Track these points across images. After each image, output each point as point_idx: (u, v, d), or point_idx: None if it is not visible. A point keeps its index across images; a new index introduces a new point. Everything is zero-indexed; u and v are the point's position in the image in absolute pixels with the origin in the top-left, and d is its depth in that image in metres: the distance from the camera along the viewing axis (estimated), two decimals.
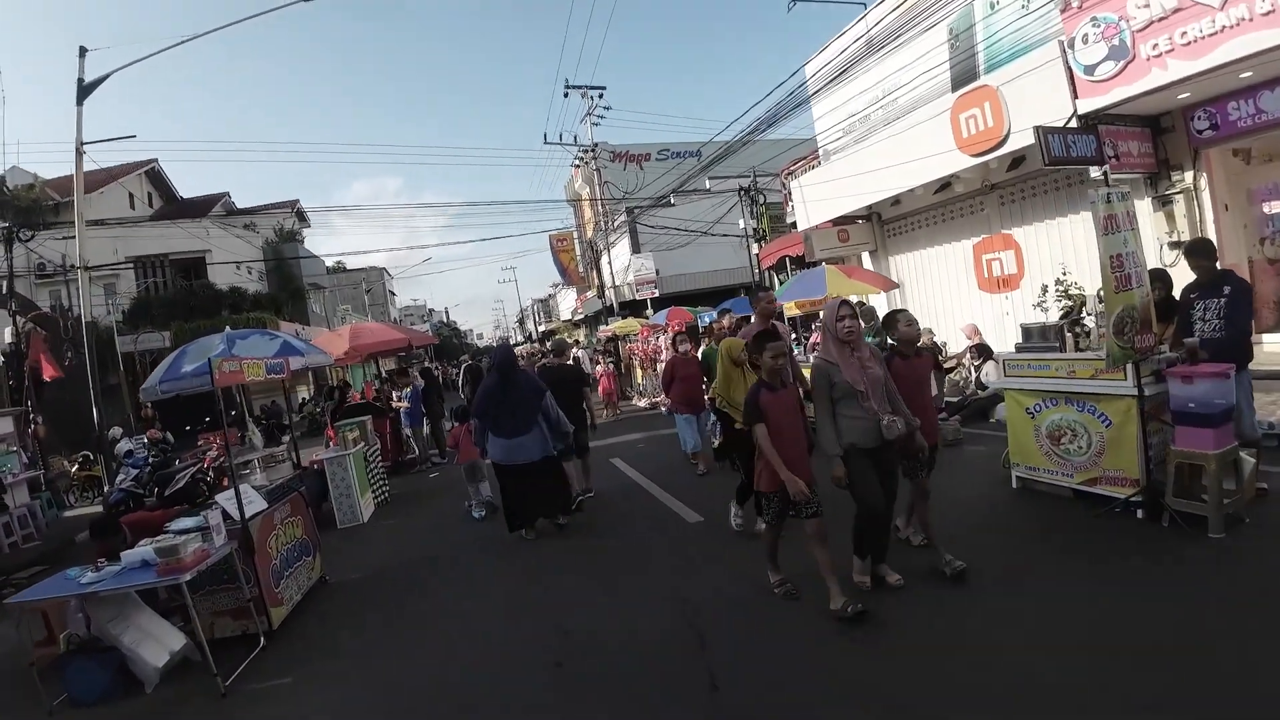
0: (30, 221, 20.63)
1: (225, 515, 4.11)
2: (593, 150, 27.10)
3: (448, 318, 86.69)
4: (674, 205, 27.23)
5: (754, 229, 19.02)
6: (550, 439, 5.59)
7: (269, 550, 4.35)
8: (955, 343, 10.49)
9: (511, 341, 75.99)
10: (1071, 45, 7.82)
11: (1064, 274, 9.12)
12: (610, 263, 27.66)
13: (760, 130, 12.50)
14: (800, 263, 12.29)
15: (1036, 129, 7.42)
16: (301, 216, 34.63)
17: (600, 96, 27.10)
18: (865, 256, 13.21)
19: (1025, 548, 4.20)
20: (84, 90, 11.53)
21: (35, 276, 21.57)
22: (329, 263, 42.33)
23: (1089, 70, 7.71)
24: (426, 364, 28.34)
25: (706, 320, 11.76)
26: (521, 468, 5.48)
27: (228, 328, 7.57)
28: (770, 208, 19.52)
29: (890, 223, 12.87)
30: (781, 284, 13.87)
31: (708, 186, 26.12)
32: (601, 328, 26.22)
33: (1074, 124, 7.86)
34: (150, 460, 11.30)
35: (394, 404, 9.83)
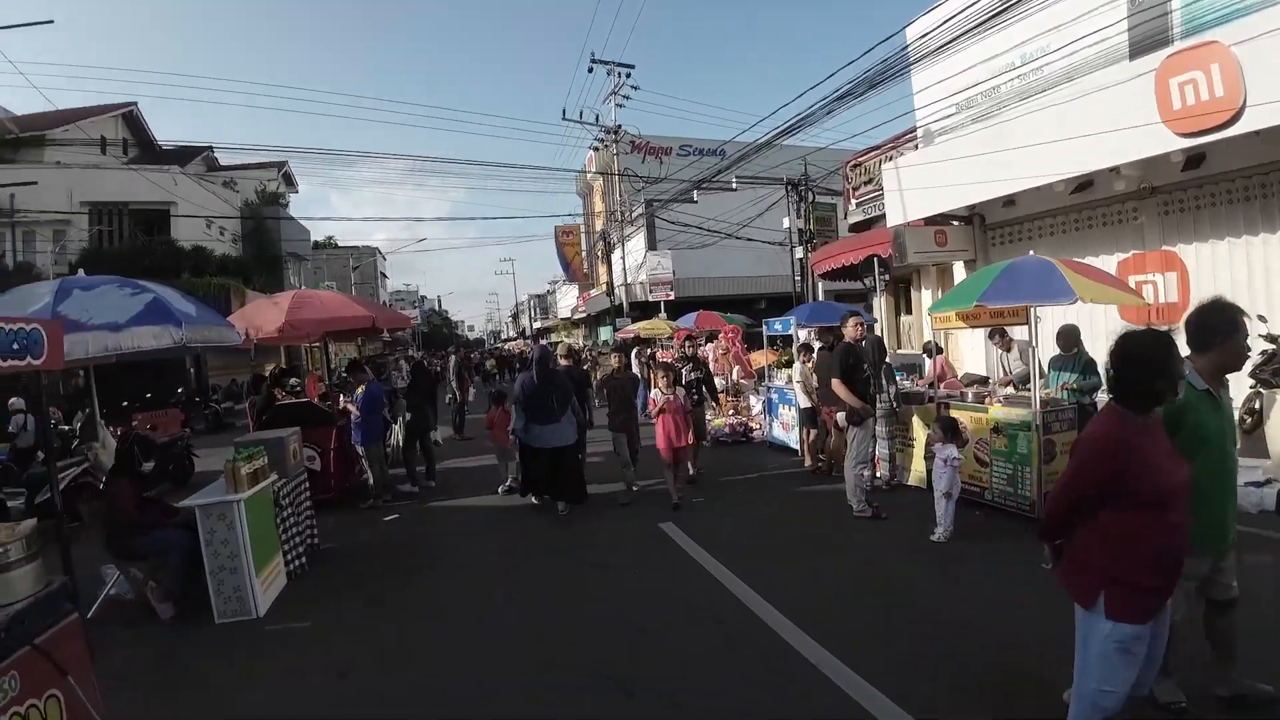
0: None
1: None
2: (615, 132, 24.46)
3: (440, 306, 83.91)
4: (696, 202, 24.71)
5: (799, 230, 16.43)
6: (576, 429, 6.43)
7: None
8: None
9: (504, 336, 73.33)
10: None
11: (1264, 325, 6.48)
12: (624, 258, 24.99)
13: (833, 108, 9.95)
14: (887, 266, 9.71)
15: None
16: (289, 180, 31.85)
17: (628, 76, 24.58)
18: (959, 266, 10.66)
19: None
20: None
21: None
22: (318, 236, 39.50)
23: None
24: (413, 354, 25.55)
25: (779, 328, 9.16)
26: (554, 451, 6.29)
27: (81, 270, 4.81)
28: (817, 207, 16.94)
29: (997, 228, 10.30)
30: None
31: (734, 185, 23.63)
32: (613, 330, 23.62)
33: None
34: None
35: (345, 407, 6.99)
